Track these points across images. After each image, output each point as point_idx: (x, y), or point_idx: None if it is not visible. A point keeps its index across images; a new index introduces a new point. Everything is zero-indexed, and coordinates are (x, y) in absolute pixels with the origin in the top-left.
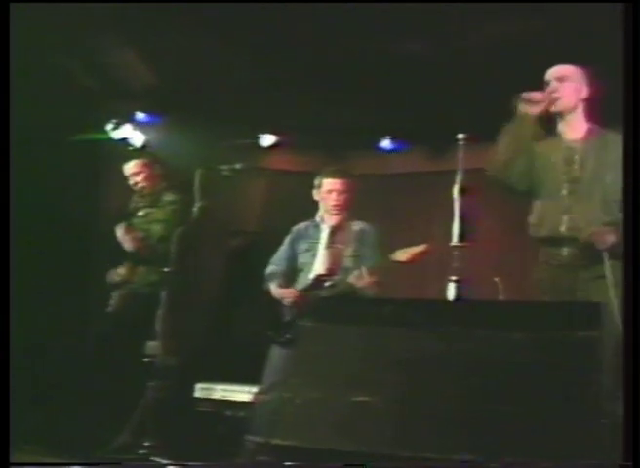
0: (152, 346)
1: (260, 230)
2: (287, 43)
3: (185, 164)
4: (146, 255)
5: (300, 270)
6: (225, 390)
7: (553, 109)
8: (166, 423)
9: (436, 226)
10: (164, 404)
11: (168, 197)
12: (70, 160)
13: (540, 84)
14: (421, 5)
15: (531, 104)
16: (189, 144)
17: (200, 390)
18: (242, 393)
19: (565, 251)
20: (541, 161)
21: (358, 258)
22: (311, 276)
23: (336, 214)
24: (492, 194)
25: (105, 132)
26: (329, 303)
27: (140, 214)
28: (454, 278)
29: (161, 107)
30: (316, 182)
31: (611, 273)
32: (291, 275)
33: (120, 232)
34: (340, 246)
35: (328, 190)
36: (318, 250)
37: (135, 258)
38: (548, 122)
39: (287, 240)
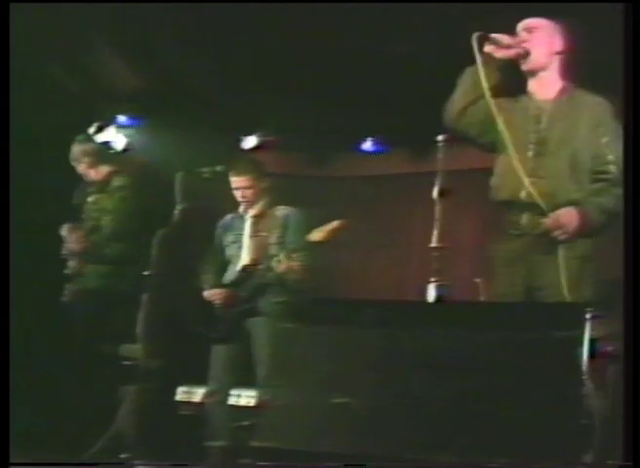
0: (133, 349)
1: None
2: (269, 45)
3: (167, 166)
4: (95, 256)
5: (229, 263)
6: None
7: (524, 66)
8: (147, 426)
9: (417, 228)
10: (145, 407)
11: (116, 182)
12: (54, 162)
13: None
14: (404, 6)
15: (497, 47)
16: (171, 147)
17: (181, 393)
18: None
19: (524, 218)
20: (508, 118)
21: (283, 244)
22: (237, 268)
23: (249, 207)
24: (473, 195)
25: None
26: (306, 305)
27: (90, 200)
28: (433, 279)
29: (143, 110)
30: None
31: (564, 264)
32: (223, 268)
33: (65, 232)
34: (263, 234)
35: (234, 187)
36: (243, 241)
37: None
38: (516, 77)
39: (215, 234)
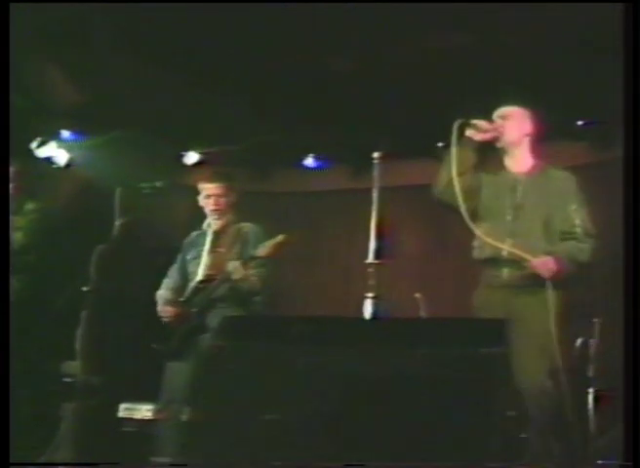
0: (72, 366)
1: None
2: (210, 60)
3: (108, 181)
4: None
5: (190, 279)
6: (149, 410)
7: (499, 144)
8: (88, 443)
9: (358, 243)
10: (86, 423)
11: (29, 205)
12: None
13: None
14: (346, 20)
15: (476, 131)
16: (113, 162)
17: (123, 410)
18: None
19: (506, 272)
20: (488, 189)
21: (241, 260)
22: (192, 284)
23: (217, 219)
24: (411, 211)
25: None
26: (240, 320)
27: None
28: (370, 295)
29: (85, 125)
30: (199, 188)
31: (553, 301)
32: (185, 284)
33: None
34: (222, 250)
35: (206, 195)
36: (202, 256)
37: None
38: (492, 153)
39: (179, 254)
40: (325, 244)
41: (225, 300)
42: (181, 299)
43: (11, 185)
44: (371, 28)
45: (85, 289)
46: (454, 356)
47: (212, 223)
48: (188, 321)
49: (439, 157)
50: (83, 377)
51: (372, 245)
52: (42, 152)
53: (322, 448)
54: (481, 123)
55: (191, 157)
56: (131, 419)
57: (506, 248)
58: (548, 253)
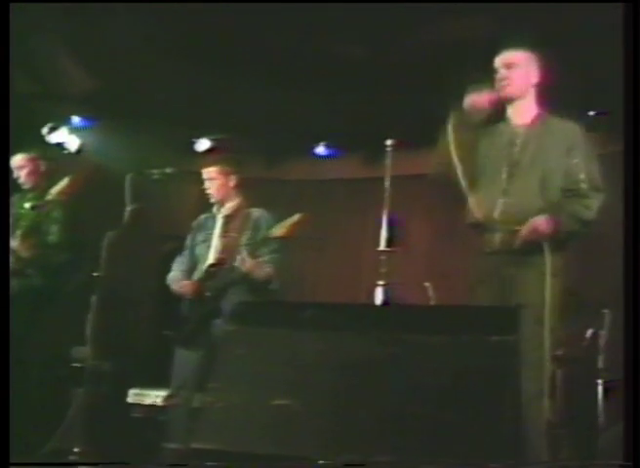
0: (82, 351)
1: None
2: (223, 46)
3: (119, 167)
4: (42, 264)
5: (197, 262)
6: (158, 396)
7: (502, 95)
8: (97, 429)
9: (369, 232)
10: (95, 409)
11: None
12: None
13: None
14: (362, 9)
15: (476, 108)
16: (124, 148)
17: (132, 396)
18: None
19: (498, 237)
20: (486, 145)
21: (253, 246)
22: (204, 267)
23: (218, 202)
24: (423, 200)
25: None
26: (251, 306)
27: (27, 205)
28: (381, 282)
29: (97, 111)
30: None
31: (550, 265)
32: (193, 267)
33: (15, 244)
34: (233, 234)
35: (208, 179)
36: (212, 240)
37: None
38: (496, 113)
39: (189, 235)
40: (336, 232)
41: (238, 285)
42: (195, 280)
43: (23, 171)
44: (385, 15)
45: (95, 274)
46: (466, 343)
47: (222, 208)
48: (201, 305)
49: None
50: (92, 363)
51: (383, 233)
52: (53, 138)
53: (330, 434)
54: (478, 99)
55: (203, 144)
56: (140, 405)
57: (496, 212)
58: (544, 211)
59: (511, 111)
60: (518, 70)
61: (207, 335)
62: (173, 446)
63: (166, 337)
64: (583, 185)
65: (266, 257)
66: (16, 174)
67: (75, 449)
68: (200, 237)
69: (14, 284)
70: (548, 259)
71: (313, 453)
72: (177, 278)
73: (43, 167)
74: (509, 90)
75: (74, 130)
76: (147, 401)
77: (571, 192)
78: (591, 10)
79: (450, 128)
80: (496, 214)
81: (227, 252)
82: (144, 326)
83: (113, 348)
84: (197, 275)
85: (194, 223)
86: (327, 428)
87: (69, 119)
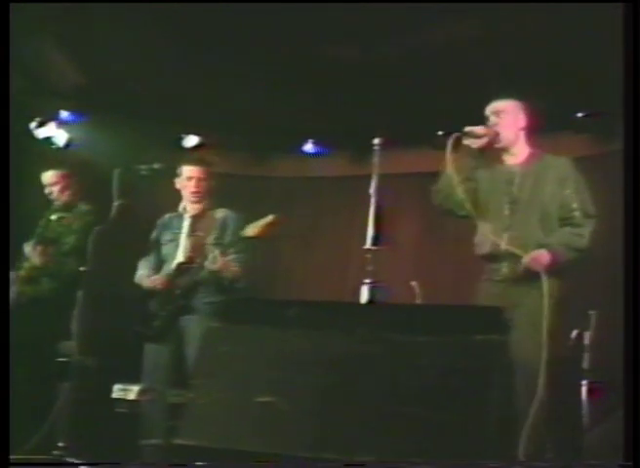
0: (68, 346)
1: None
2: (212, 42)
3: (107, 163)
4: (53, 269)
5: (164, 261)
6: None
7: (497, 145)
8: (81, 424)
9: (356, 230)
10: (80, 404)
11: (83, 207)
12: None
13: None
14: (350, 9)
15: (474, 138)
16: (112, 143)
17: (117, 391)
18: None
19: (505, 266)
20: (486, 185)
21: (220, 246)
22: (172, 266)
23: (195, 202)
24: (409, 199)
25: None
26: (236, 303)
27: (53, 217)
28: (367, 281)
29: (85, 106)
30: (177, 171)
31: (547, 289)
32: (159, 266)
33: (28, 249)
34: (200, 234)
35: (188, 177)
36: (180, 239)
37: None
38: (490, 153)
39: (154, 232)
40: (323, 229)
41: (206, 284)
42: (162, 279)
43: (56, 187)
44: (373, 16)
45: (82, 269)
46: (451, 343)
47: (189, 207)
48: (171, 302)
49: (438, 145)
50: (78, 358)
51: (370, 231)
52: (41, 132)
53: (313, 432)
54: (477, 129)
55: (191, 140)
56: (124, 400)
57: (502, 244)
58: (543, 246)
59: (506, 154)
60: (507, 117)
61: (176, 332)
62: (154, 441)
63: (137, 334)
64: (576, 214)
65: (234, 256)
66: (48, 190)
67: (60, 444)
68: (167, 236)
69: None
70: (546, 287)
71: (295, 451)
72: (145, 275)
73: (74, 184)
74: (502, 136)
75: (62, 124)
76: (131, 396)
77: (566, 221)
78: (591, 10)
79: (449, 157)
80: (502, 247)
81: (195, 250)
82: (129, 321)
83: (99, 343)
84: (166, 272)
85: (158, 222)
86: (309, 426)
87: (57, 114)
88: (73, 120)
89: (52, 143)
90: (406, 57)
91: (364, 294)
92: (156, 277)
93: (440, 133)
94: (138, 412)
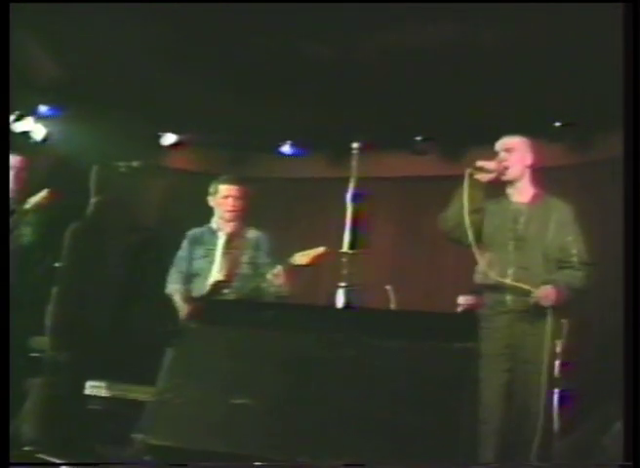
0: (41, 341)
1: (156, 227)
2: (194, 41)
3: (84, 158)
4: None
5: (197, 275)
6: (117, 389)
7: (504, 178)
8: (54, 420)
9: (332, 233)
10: (52, 400)
11: (34, 199)
12: None
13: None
14: (329, 9)
15: (483, 172)
16: (90, 139)
17: (90, 388)
18: (134, 392)
19: (509, 298)
20: (492, 219)
21: (254, 265)
22: (209, 282)
23: (231, 220)
24: (386, 203)
25: None
26: (212, 304)
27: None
28: (343, 284)
29: (64, 100)
30: (211, 189)
31: (550, 326)
32: (189, 279)
33: None
34: (236, 252)
35: (224, 196)
36: (215, 256)
37: None
38: (497, 186)
39: (184, 245)
40: (298, 231)
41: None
42: (199, 295)
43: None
44: (353, 17)
45: (57, 265)
46: (424, 349)
47: (223, 225)
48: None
49: (417, 150)
50: (51, 353)
51: (346, 235)
52: (19, 126)
53: (283, 434)
54: (488, 164)
55: (169, 138)
56: (97, 397)
57: (509, 282)
58: (547, 282)
59: (511, 190)
60: (516, 154)
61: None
62: (133, 438)
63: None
64: (575, 259)
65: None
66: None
67: (31, 439)
68: (199, 251)
69: None
70: (550, 322)
71: (265, 452)
72: (177, 289)
73: (24, 172)
74: (510, 171)
75: (40, 119)
76: (105, 393)
77: (566, 263)
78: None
79: (466, 188)
80: (508, 281)
81: (232, 269)
82: (106, 317)
83: (72, 339)
84: (199, 290)
85: (189, 236)
86: (280, 427)
87: (36, 108)
88: (52, 114)
89: (29, 138)
90: (388, 58)
91: (340, 298)
92: (185, 306)
93: (418, 138)
94: (110, 409)
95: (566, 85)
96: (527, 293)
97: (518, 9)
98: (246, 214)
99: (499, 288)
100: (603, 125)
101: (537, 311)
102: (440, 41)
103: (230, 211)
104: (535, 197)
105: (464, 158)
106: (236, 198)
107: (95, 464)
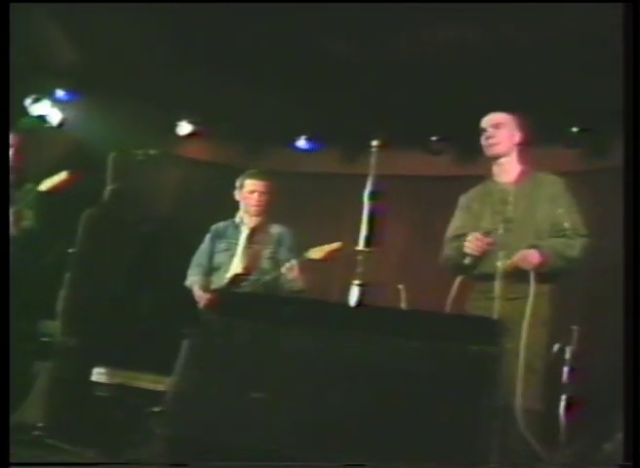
0: (51, 325)
1: (170, 217)
2: (211, 29)
3: (101, 145)
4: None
5: (217, 268)
6: (124, 376)
7: (490, 153)
8: (61, 405)
9: (345, 229)
10: (60, 385)
11: (29, 186)
12: None
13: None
14: (349, 6)
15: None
16: (107, 125)
17: (97, 374)
18: (140, 380)
19: (499, 284)
20: (479, 203)
21: (275, 260)
22: (228, 275)
23: (256, 215)
24: (402, 201)
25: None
26: (231, 298)
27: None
28: (357, 282)
29: (81, 86)
30: (238, 183)
31: (534, 288)
32: (210, 273)
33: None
34: (258, 246)
35: (250, 191)
36: (236, 250)
37: None
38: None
39: (207, 238)
40: (312, 226)
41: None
42: (217, 287)
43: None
44: (372, 14)
45: (71, 250)
46: (438, 350)
47: (247, 219)
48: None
49: (432, 150)
50: (61, 338)
51: (362, 232)
52: (36, 109)
53: (297, 430)
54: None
55: (185, 127)
56: (103, 384)
57: (499, 264)
58: (534, 247)
59: (497, 169)
60: (504, 130)
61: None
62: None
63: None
64: (568, 232)
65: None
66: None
67: (38, 424)
68: (221, 245)
69: None
70: (533, 286)
71: (281, 447)
72: (197, 282)
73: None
74: (498, 147)
75: (57, 103)
76: (112, 380)
77: (559, 233)
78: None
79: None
80: (499, 265)
81: (252, 262)
82: (117, 306)
83: (84, 325)
84: (218, 282)
85: (213, 227)
86: (295, 423)
87: (53, 92)
88: (69, 99)
89: (45, 121)
90: (405, 57)
91: (353, 296)
92: (203, 295)
93: (434, 138)
94: (116, 396)
95: (567, 85)
96: (515, 276)
97: (533, 8)
98: (270, 209)
99: (490, 273)
100: (610, 130)
101: (524, 295)
102: (457, 41)
103: (256, 205)
104: (521, 175)
105: (479, 159)
106: (262, 193)
107: (95, 464)
